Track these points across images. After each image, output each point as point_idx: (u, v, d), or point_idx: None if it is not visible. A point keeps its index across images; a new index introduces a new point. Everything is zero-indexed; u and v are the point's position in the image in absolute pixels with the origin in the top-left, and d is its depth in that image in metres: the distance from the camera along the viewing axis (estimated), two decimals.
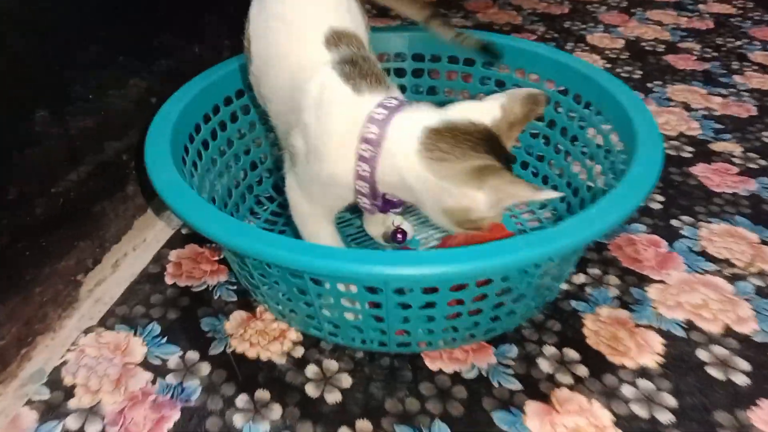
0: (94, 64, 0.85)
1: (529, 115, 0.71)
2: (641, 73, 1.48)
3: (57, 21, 0.78)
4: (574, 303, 0.88)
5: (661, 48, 1.61)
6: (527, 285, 0.74)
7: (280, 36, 0.78)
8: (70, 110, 0.81)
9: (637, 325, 0.85)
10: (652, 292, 0.90)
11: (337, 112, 0.70)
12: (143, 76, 0.95)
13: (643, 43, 1.63)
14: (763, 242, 0.98)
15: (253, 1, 0.85)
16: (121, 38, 0.90)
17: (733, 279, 0.91)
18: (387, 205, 0.74)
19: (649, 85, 1.42)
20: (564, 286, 0.90)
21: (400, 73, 1.11)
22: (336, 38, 0.76)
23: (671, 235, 1.00)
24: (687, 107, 1.34)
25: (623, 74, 1.47)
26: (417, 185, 0.68)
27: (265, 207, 1.06)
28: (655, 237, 0.99)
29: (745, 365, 0.79)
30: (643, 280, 0.92)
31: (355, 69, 0.72)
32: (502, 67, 1.05)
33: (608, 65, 1.51)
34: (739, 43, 1.64)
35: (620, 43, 1.63)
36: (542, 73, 1.01)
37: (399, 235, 0.92)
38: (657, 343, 0.82)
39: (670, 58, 1.55)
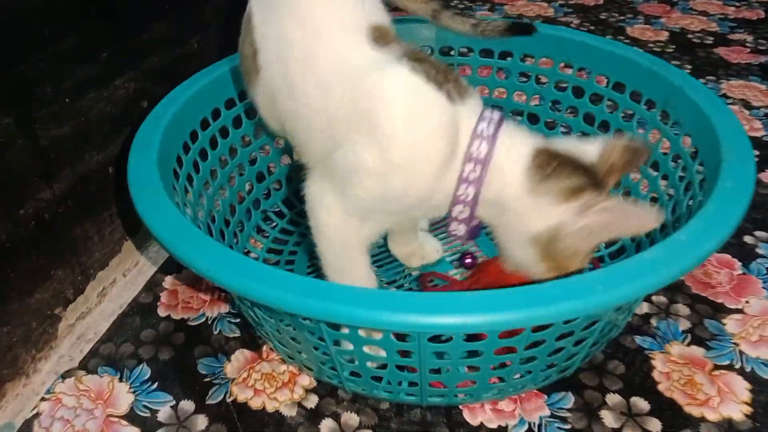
0: (71, 59, 0.72)
1: (627, 167, 0.62)
2: (691, 67, 1.33)
3: (23, 4, 0.66)
4: (638, 339, 0.74)
5: (709, 40, 1.46)
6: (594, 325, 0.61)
7: (305, 38, 0.64)
8: (40, 116, 0.69)
9: (716, 367, 0.71)
10: (730, 324, 0.76)
11: (438, 124, 0.58)
12: (131, 75, 0.82)
13: (690, 35, 1.48)
14: None
15: (252, 2, 0.71)
16: (103, 28, 0.77)
17: None
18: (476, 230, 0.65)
19: (701, 80, 1.28)
20: None
21: None
22: (380, 35, 0.63)
23: (746, 255, 0.85)
24: (747, 105, 1.19)
25: None
26: (513, 207, 0.60)
27: (274, 224, 0.93)
28: (727, 256, 0.85)
29: None
30: (719, 310, 0.78)
31: (433, 70, 0.60)
32: (543, 61, 0.91)
33: None
34: None
35: (664, 36, 1.48)
36: (593, 67, 0.87)
37: (469, 259, 0.80)
38: (742, 388, 0.69)
39: (722, 51, 1.40)
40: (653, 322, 0.76)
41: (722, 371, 0.70)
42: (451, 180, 0.60)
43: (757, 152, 1.06)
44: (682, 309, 0.78)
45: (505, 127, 0.61)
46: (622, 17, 1.59)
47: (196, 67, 0.83)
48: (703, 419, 0.65)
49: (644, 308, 0.78)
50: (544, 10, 1.65)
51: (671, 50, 1.41)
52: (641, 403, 0.67)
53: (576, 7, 1.66)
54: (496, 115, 0.61)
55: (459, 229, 0.63)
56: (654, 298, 0.79)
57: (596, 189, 0.58)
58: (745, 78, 1.29)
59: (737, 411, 0.66)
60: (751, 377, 0.70)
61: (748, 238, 0.88)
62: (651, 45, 1.44)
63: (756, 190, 0.94)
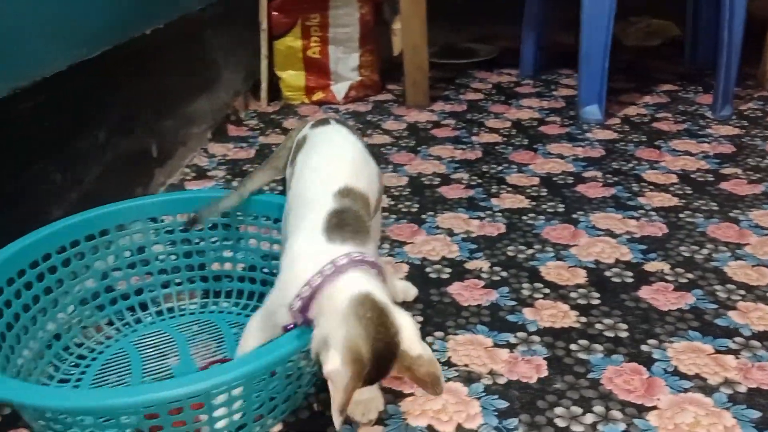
0: None
1: (416, 381, 0.85)
2: (563, 206, 1.70)
3: None
4: None
5: (570, 180, 1.86)
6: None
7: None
8: None
9: None
10: (652, 419, 1.03)
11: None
12: None
13: (554, 178, 1.88)
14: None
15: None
16: None
17: None
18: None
19: (573, 215, 1.64)
20: None
21: None
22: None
23: (647, 361, 1.15)
24: (611, 234, 1.56)
25: (549, 210, 1.69)
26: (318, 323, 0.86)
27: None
28: (634, 365, 1.14)
29: None
30: (641, 410, 1.05)
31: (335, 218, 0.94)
32: None
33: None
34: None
35: (536, 180, 1.86)
36: None
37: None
38: None
39: (581, 188, 1.80)
40: (600, 428, 1.02)
41: None
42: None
43: (630, 273, 1.40)
44: (617, 414, 1.04)
45: (350, 274, 0.86)
46: (500, 167, 1.97)
47: None
48: None
49: (589, 419, 1.03)
50: (436, 167, 1.99)
51: (545, 193, 1.78)
52: None
53: (462, 162, 2.01)
54: (345, 262, 0.87)
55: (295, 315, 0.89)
56: (595, 408, 1.05)
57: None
58: (604, 210, 1.67)
59: None
60: None
61: (644, 347, 1.18)
62: (528, 190, 1.80)
63: (637, 305, 1.28)
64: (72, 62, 1.40)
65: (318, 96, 2.60)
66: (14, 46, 1.22)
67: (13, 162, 1.23)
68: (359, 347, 0.79)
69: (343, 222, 0.93)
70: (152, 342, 1.23)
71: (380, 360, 0.81)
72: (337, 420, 0.76)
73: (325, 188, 0.99)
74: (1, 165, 1.19)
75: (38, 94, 1.28)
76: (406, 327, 0.84)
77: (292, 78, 2.59)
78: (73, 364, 1.17)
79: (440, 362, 1.14)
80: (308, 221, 0.95)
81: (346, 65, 2.59)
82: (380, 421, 1.03)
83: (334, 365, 0.77)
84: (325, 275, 0.86)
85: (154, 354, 1.20)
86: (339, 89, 2.60)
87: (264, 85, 2.58)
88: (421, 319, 1.27)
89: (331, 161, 1.06)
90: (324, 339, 0.81)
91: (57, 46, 1.36)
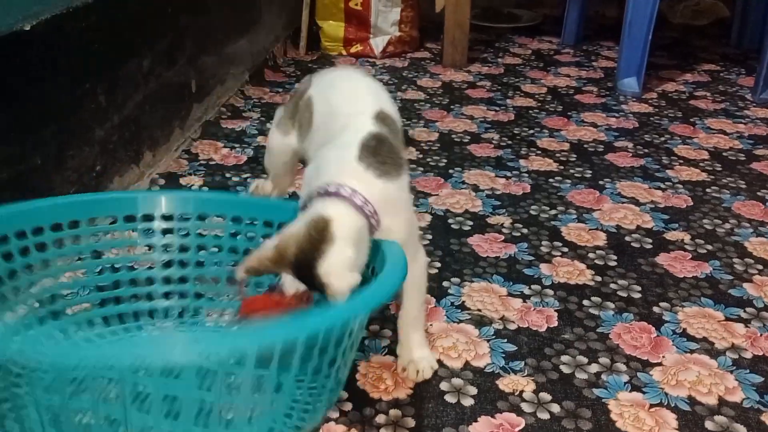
0: None
1: None
2: (591, 172, 1.71)
3: None
4: (596, 391, 1.03)
5: (600, 148, 1.86)
6: None
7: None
8: None
9: (652, 405, 1.00)
10: (655, 374, 1.06)
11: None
12: None
13: (585, 145, 1.88)
14: None
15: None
16: None
17: None
18: None
19: (601, 182, 1.66)
20: None
21: None
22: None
23: (656, 322, 1.17)
24: (636, 202, 1.57)
25: (576, 174, 1.70)
26: None
27: None
28: (644, 324, 1.17)
29: None
30: (645, 365, 1.08)
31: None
32: None
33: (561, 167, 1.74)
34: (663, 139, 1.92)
35: (566, 146, 1.87)
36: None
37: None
38: (671, 419, 0.98)
39: (611, 157, 1.80)
40: (603, 377, 1.06)
41: (656, 408, 1.00)
42: None
43: (649, 240, 1.42)
44: (621, 366, 1.08)
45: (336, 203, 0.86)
46: (531, 131, 1.98)
47: None
48: None
49: (594, 368, 1.07)
50: (468, 125, 2.01)
51: (574, 158, 1.79)
52: None
53: (494, 124, 2.03)
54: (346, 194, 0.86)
55: None
56: (600, 359, 1.09)
57: None
58: (631, 179, 1.68)
59: None
60: (676, 410, 0.99)
61: (656, 309, 1.21)
62: (557, 154, 1.81)
63: (653, 269, 1.30)
64: None
65: (356, 48, 2.61)
66: None
67: (64, 77, 1.27)
68: (288, 247, 0.82)
69: (377, 151, 0.89)
70: None
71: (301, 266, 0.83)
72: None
73: (362, 107, 0.96)
74: (53, 78, 1.24)
75: (90, 16, 1.32)
76: (332, 259, 0.81)
77: (332, 28, 2.60)
78: None
79: (454, 306, 1.19)
80: (342, 140, 0.92)
81: (387, 19, 2.59)
82: (392, 352, 1.08)
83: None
84: (329, 191, 0.85)
85: None
86: (377, 43, 2.60)
87: (304, 33, 2.60)
88: (439, 265, 1.31)
89: (361, 84, 1.04)
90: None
91: None
